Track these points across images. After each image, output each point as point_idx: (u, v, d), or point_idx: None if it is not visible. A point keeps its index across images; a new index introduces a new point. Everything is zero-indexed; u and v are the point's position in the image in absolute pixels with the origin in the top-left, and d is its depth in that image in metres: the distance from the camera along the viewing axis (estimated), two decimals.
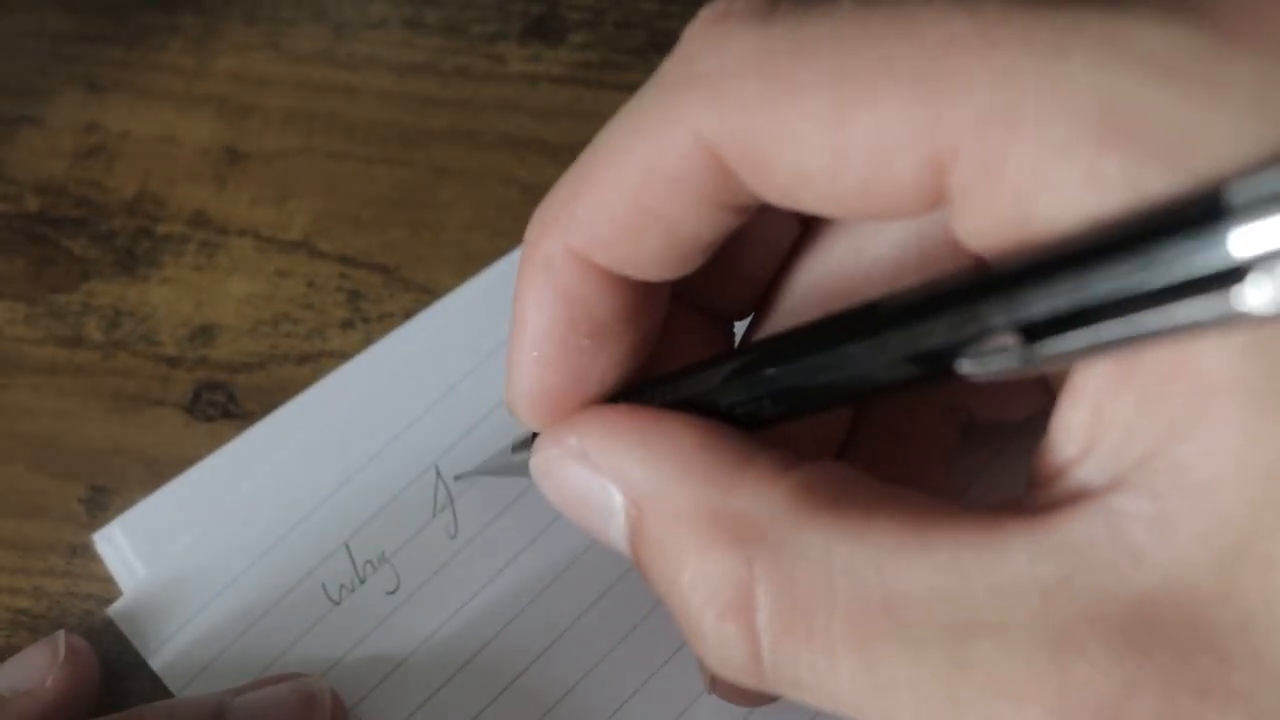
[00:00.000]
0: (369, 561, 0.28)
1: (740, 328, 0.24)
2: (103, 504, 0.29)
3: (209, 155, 0.33)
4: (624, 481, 0.19)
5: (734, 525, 0.17)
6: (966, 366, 0.16)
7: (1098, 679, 0.15)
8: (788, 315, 0.22)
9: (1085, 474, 0.16)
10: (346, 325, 0.31)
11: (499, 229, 0.32)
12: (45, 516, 0.29)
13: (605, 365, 0.20)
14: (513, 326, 0.20)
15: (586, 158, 0.19)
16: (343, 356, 0.30)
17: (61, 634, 0.26)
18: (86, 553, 0.28)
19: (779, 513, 0.17)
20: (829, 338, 0.18)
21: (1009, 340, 0.15)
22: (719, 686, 0.25)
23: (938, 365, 0.16)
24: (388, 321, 0.31)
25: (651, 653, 0.27)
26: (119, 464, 0.29)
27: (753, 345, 0.20)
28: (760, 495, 0.17)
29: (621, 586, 0.27)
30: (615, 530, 0.19)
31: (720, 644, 0.18)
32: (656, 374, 0.21)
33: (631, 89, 0.33)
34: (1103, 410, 0.15)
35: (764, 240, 0.22)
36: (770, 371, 0.19)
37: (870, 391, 0.18)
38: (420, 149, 0.33)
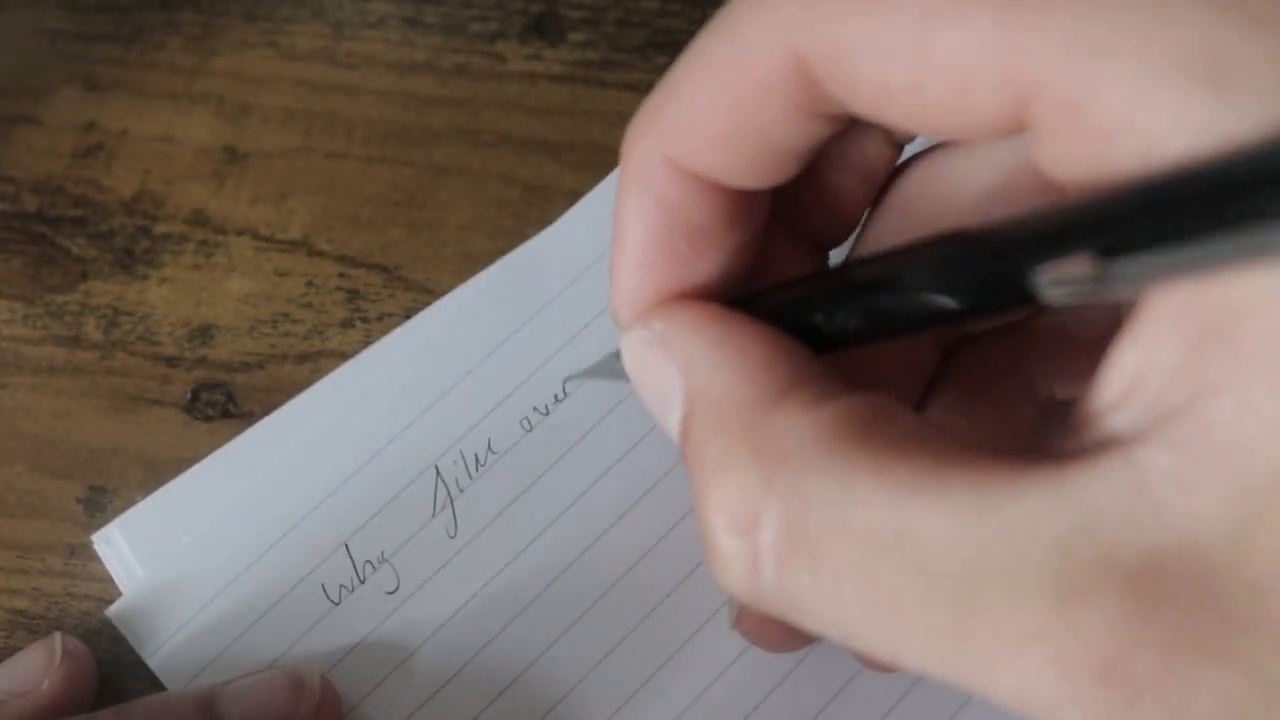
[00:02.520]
0: (369, 561, 0.27)
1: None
2: (101, 504, 0.29)
3: (208, 154, 0.33)
4: (687, 375, 0.19)
5: (762, 445, 0.18)
6: (1047, 289, 0.16)
7: (1102, 630, 0.15)
8: (882, 239, 0.22)
9: (1117, 423, 0.16)
10: (346, 325, 0.31)
11: (499, 228, 0.31)
12: (44, 517, 0.29)
13: (705, 271, 0.21)
14: (614, 235, 0.21)
15: (680, 66, 0.19)
16: (342, 356, 0.30)
17: (59, 636, 0.26)
18: (85, 553, 0.28)
19: (806, 441, 0.17)
20: (916, 258, 0.18)
21: (1086, 263, 0.15)
22: (742, 625, 0.26)
23: (1018, 289, 0.16)
24: (387, 321, 0.31)
25: (652, 653, 0.27)
26: (117, 464, 0.29)
27: (844, 263, 0.20)
28: (793, 421, 0.18)
29: (621, 587, 0.27)
30: (671, 421, 0.20)
31: (724, 557, 0.18)
32: (751, 287, 0.22)
33: (632, 88, 0.33)
34: (1147, 358, 0.16)
35: (860, 164, 0.22)
36: (858, 288, 0.19)
37: (953, 315, 0.18)
38: (420, 148, 0.33)
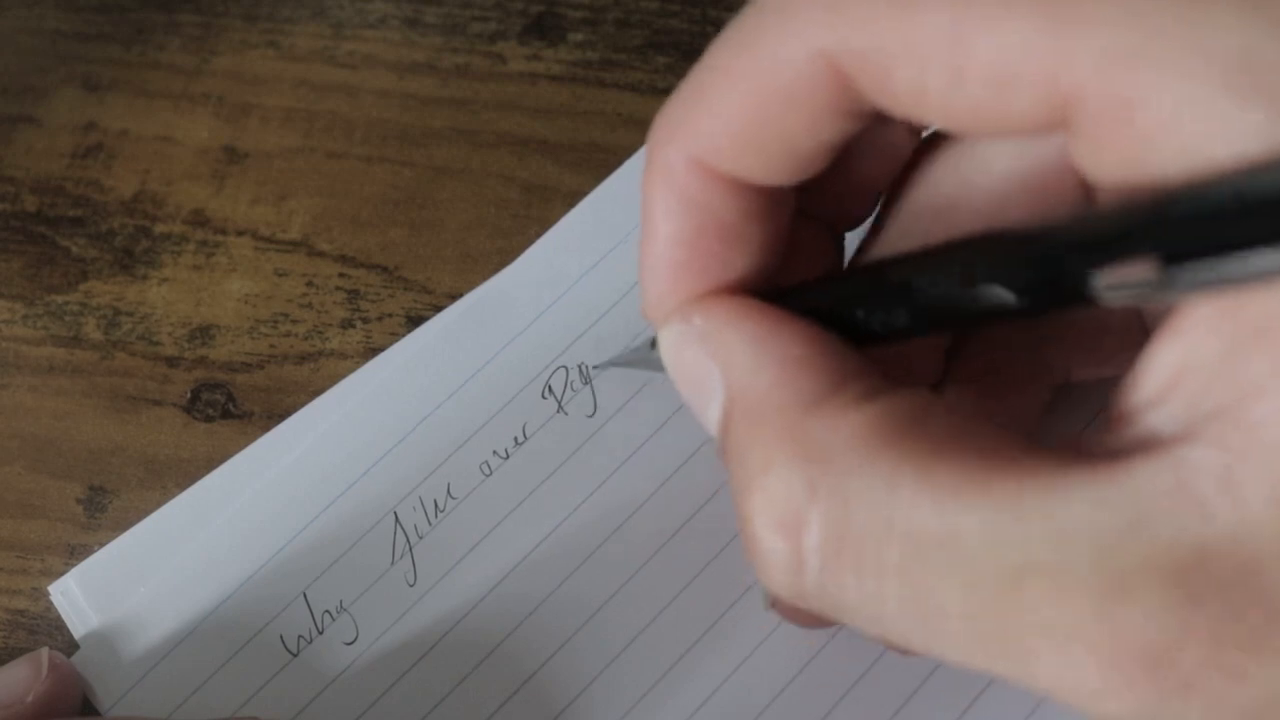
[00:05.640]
0: (327, 611, 0.27)
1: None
2: (101, 504, 0.29)
3: (208, 154, 0.33)
4: (727, 374, 0.19)
5: (806, 447, 0.18)
6: (1105, 292, 0.16)
7: (1147, 626, 0.15)
8: (902, 226, 0.22)
9: (1157, 420, 0.16)
10: (346, 325, 0.31)
11: (499, 228, 0.31)
12: (44, 517, 0.29)
13: (738, 267, 0.21)
14: (643, 235, 0.21)
15: (703, 71, 0.19)
16: (341, 356, 0.30)
17: (45, 651, 0.26)
18: (85, 553, 0.28)
19: (850, 444, 0.17)
20: (973, 255, 0.18)
21: (1149, 268, 0.15)
22: (779, 606, 0.26)
23: (1077, 289, 0.16)
24: (387, 321, 0.31)
25: (616, 699, 0.26)
26: (117, 464, 0.29)
27: (896, 259, 0.20)
28: (835, 423, 0.18)
29: (581, 637, 0.27)
30: (711, 418, 0.20)
31: (768, 557, 0.18)
32: (776, 278, 0.22)
33: (632, 88, 0.33)
34: (1188, 356, 0.16)
35: (882, 152, 0.22)
36: (906, 285, 0.19)
37: (1004, 313, 0.18)
38: (420, 148, 0.33)
